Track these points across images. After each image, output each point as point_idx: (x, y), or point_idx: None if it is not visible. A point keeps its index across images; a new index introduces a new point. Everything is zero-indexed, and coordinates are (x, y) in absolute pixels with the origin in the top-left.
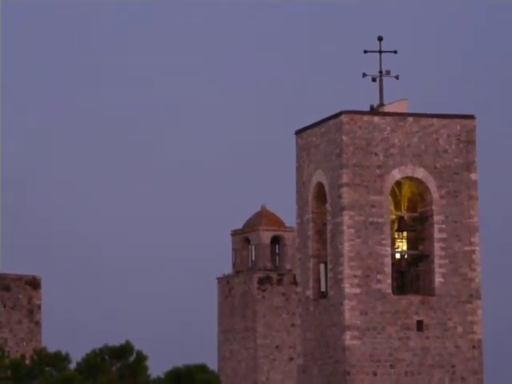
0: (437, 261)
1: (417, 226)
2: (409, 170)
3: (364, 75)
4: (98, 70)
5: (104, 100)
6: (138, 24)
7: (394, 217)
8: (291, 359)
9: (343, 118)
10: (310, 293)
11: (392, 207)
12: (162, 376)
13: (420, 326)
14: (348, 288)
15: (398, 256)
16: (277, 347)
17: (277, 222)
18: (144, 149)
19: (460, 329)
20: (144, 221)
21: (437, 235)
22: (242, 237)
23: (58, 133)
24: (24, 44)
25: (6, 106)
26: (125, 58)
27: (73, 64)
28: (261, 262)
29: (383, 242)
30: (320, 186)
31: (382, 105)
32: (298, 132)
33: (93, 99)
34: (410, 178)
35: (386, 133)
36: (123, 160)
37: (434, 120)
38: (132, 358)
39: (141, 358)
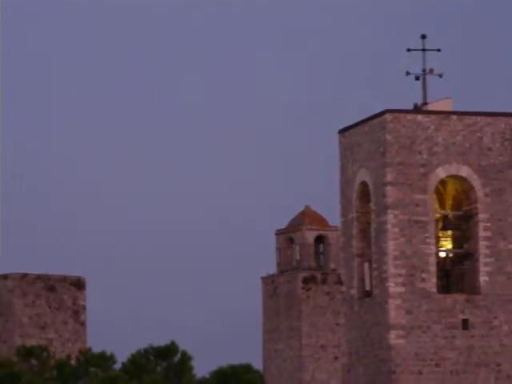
0: (482, 259)
1: (461, 224)
2: (453, 169)
3: (407, 74)
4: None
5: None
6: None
7: (438, 215)
8: (336, 358)
9: (387, 116)
10: (354, 292)
11: (436, 206)
12: (207, 376)
13: (465, 324)
14: (393, 287)
15: (442, 255)
16: (321, 346)
17: (321, 222)
18: (189, 151)
19: (505, 327)
20: (189, 221)
21: (482, 233)
22: (286, 236)
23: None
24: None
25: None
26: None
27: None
28: (305, 262)
29: (428, 240)
30: (364, 184)
31: (425, 103)
32: (342, 131)
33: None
34: (455, 177)
35: (429, 131)
36: (169, 165)
37: (478, 118)
38: (177, 358)
39: (186, 357)
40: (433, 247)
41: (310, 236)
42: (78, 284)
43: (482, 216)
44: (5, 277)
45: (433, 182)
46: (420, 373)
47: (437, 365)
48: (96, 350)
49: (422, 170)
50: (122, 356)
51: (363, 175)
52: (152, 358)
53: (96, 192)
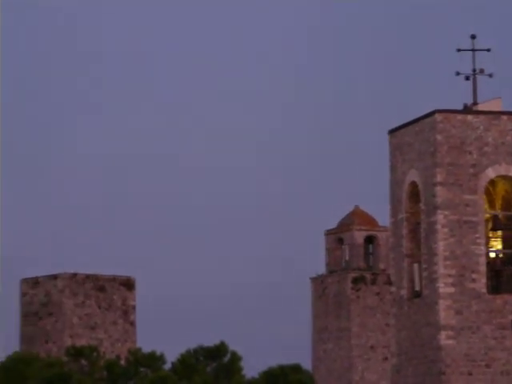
0: None
1: (511, 224)
2: (503, 169)
3: (457, 74)
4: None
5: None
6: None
7: (488, 215)
8: (385, 359)
9: (437, 116)
10: (404, 292)
11: (486, 206)
12: (256, 376)
13: None
14: (442, 287)
15: (492, 255)
16: (371, 347)
17: (370, 222)
18: (241, 150)
19: None
20: (239, 221)
21: None
22: (336, 237)
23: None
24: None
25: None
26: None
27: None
28: (354, 262)
29: (478, 240)
30: (414, 185)
31: (475, 103)
32: (392, 131)
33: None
34: (504, 177)
35: (479, 131)
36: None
37: None
38: (227, 359)
39: (235, 358)
40: (483, 247)
41: (360, 236)
42: (128, 284)
43: None
44: (55, 277)
45: (483, 182)
46: (470, 373)
47: (487, 365)
48: (146, 350)
49: (471, 170)
50: (171, 356)
51: (413, 175)
52: (202, 358)
53: (144, 192)
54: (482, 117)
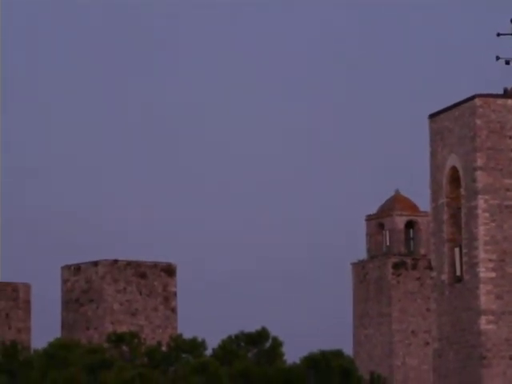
0: None
1: None
2: None
3: (497, 58)
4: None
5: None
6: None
7: None
8: (427, 344)
9: (477, 101)
10: (445, 277)
11: None
12: (297, 361)
13: None
14: (483, 272)
15: None
16: (412, 332)
17: (411, 207)
18: (281, 140)
19: None
20: (280, 207)
21: None
22: (376, 222)
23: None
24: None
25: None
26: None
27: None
28: (395, 247)
29: None
30: (454, 170)
31: None
32: (432, 116)
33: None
34: None
35: None
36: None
37: None
38: (268, 344)
39: (277, 343)
40: None
41: (400, 221)
42: (169, 270)
43: None
44: (95, 263)
45: None
46: (511, 358)
47: None
48: (186, 336)
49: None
50: (212, 343)
51: (453, 160)
52: (243, 344)
53: (184, 177)
54: None
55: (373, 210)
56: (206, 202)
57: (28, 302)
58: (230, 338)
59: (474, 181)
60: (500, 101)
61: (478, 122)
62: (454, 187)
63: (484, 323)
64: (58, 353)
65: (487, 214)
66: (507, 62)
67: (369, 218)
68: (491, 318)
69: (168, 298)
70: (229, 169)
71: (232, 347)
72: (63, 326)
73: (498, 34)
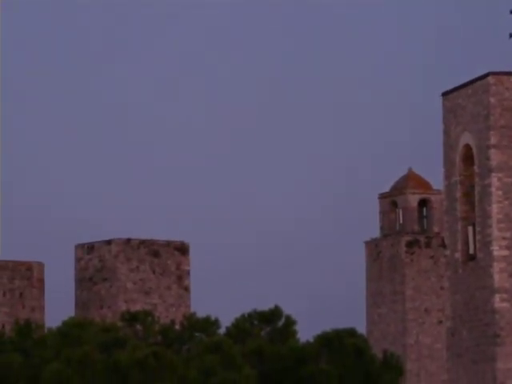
0: None
1: None
2: None
3: (511, 36)
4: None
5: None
6: None
7: None
8: (440, 322)
9: (490, 79)
10: (458, 255)
11: None
12: (311, 340)
13: None
14: (497, 250)
15: None
16: (425, 310)
17: (424, 185)
18: (294, 119)
19: None
20: (292, 185)
21: None
22: (390, 200)
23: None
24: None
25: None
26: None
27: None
28: (408, 226)
29: None
30: (467, 147)
31: None
32: (445, 94)
33: None
34: None
35: None
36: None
37: None
38: (281, 323)
39: (290, 322)
40: None
41: (414, 199)
42: (182, 249)
43: None
44: (109, 242)
45: None
46: None
47: None
48: (200, 315)
49: None
50: (226, 321)
51: (467, 138)
52: (256, 322)
53: (195, 155)
54: None
55: (386, 188)
56: (216, 180)
57: (42, 281)
58: (243, 316)
59: (488, 159)
60: None
61: (492, 99)
62: (467, 165)
63: (498, 301)
64: (71, 331)
65: (500, 192)
66: None
67: (382, 196)
68: (505, 296)
69: (181, 277)
70: (233, 146)
71: (245, 326)
72: (77, 305)
73: (511, 12)
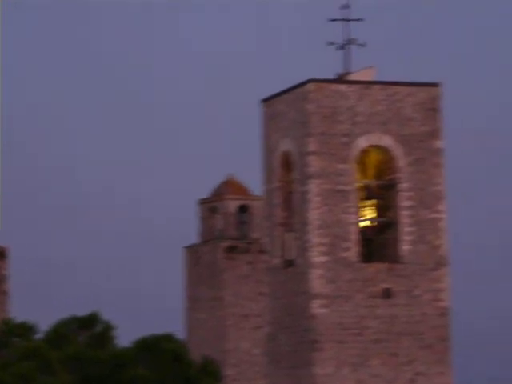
0: (403, 228)
1: (384, 193)
2: (375, 138)
3: (330, 44)
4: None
5: None
6: None
7: (360, 185)
8: (258, 328)
9: (310, 86)
10: (277, 261)
11: (359, 175)
12: (129, 345)
13: (387, 293)
14: (315, 256)
15: (364, 224)
16: (245, 316)
17: (244, 191)
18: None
19: (427, 296)
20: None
21: (403, 203)
22: (209, 206)
23: None
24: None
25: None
26: None
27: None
28: (228, 231)
29: (350, 209)
30: (287, 154)
31: (348, 73)
32: (265, 100)
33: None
34: (377, 146)
35: (352, 101)
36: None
37: (400, 88)
38: (100, 328)
39: (108, 327)
40: (354, 216)
41: (233, 205)
42: (1, 253)
43: (403, 185)
44: None
45: (355, 151)
46: (343, 342)
47: (359, 334)
48: (20, 320)
49: (344, 139)
50: (45, 326)
51: (286, 144)
52: (75, 327)
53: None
54: (354, 86)
55: (205, 193)
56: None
57: None
58: (61, 321)
59: (307, 165)
60: (333, 86)
61: (310, 106)
62: (286, 171)
63: (316, 307)
64: None
65: (319, 199)
66: (341, 47)
67: (201, 202)
68: (323, 302)
69: (0, 281)
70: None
71: (63, 331)
72: None
73: (331, 20)
